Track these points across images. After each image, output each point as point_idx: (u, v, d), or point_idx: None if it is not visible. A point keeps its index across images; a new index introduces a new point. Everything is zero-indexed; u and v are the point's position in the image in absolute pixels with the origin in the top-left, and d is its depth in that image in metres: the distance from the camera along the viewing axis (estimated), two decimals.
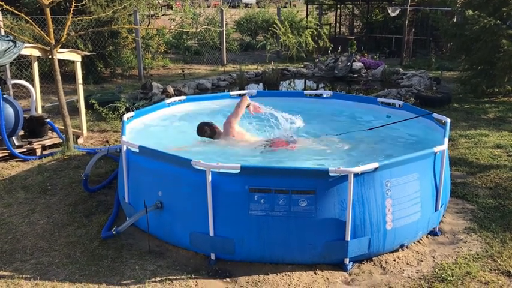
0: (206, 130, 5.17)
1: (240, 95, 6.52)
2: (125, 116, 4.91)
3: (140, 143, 4.03)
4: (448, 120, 4.59)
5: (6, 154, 5.96)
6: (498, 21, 8.67)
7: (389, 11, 15.07)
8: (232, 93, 6.52)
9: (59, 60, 6.07)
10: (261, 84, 11.77)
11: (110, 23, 11.04)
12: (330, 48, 14.90)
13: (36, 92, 6.77)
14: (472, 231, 4.15)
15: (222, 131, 5.23)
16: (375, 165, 3.48)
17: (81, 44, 10.85)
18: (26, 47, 5.98)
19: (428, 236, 4.08)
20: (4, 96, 5.99)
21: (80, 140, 6.80)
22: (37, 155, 6.18)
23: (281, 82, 12.04)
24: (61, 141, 6.42)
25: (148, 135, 5.28)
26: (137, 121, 5.35)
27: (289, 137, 5.22)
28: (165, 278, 3.47)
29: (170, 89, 9.57)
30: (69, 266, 3.65)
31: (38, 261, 3.73)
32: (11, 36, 6.02)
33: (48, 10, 5.74)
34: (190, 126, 5.70)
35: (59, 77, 6.02)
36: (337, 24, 19.03)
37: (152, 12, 14.59)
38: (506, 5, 8.89)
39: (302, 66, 13.58)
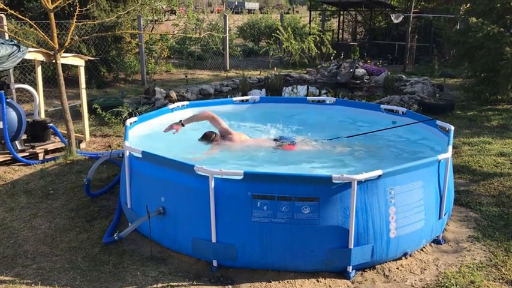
0: (211, 137, 5.20)
1: (242, 100, 6.53)
2: (128, 121, 4.91)
3: (143, 148, 4.02)
4: (452, 127, 4.58)
5: (9, 158, 5.97)
6: (502, 28, 8.67)
7: (393, 18, 15.11)
8: (235, 99, 6.53)
9: (62, 64, 6.08)
10: (263, 90, 11.78)
11: (114, 28, 11.08)
12: (333, 54, 14.94)
13: (39, 96, 6.78)
14: (475, 240, 4.13)
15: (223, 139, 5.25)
16: (379, 172, 3.47)
17: (85, 49, 10.89)
18: (29, 52, 6.00)
19: (432, 244, 4.06)
20: (7, 100, 5.99)
21: (83, 145, 6.80)
22: (39, 159, 6.18)
23: (284, 88, 12.05)
24: (64, 145, 6.42)
25: (151, 140, 5.27)
26: (140, 126, 5.35)
27: (292, 138, 5.28)
28: (166, 284, 3.45)
29: (173, 94, 9.58)
30: (71, 271, 3.64)
31: (40, 266, 3.72)
32: (15, 41, 6.04)
33: (52, 15, 5.76)
34: (193, 132, 5.70)
35: (62, 81, 6.03)
36: (340, 31, 19.08)
37: (156, 18, 14.63)
38: (510, 13, 8.90)
39: (305, 72, 13.59)
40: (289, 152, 5.06)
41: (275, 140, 5.29)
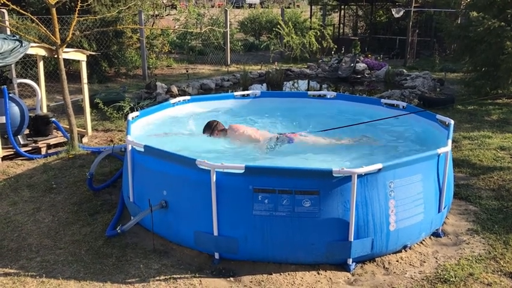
0: (213, 127, 5.22)
1: (243, 95, 6.55)
2: (130, 116, 4.94)
3: (145, 142, 4.06)
4: (452, 121, 4.60)
5: (12, 153, 6.00)
6: (502, 23, 8.66)
7: (393, 12, 15.09)
8: (236, 93, 6.55)
9: (64, 59, 6.10)
10: (264, 85, 11.79)
11: (115, 22, 11.10)
12: (334, 49, 14.93)
13: (41, 91, 6.81)
14: (474, 233, 4.16)
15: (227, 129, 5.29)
16: (379, 166, 3.50)
17: (86, 44, 10.90)
18: (32, 47, 6.02)
19: (431, 237, 4.10)
20: (10, 95, 6.03)
21: (85, 139, 6.84)
22: (42, 153, 6.22)
23: (285, 82, 12.06)
24: (66, 140, 6.45)
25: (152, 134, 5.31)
26: (142, 120, 5.38)
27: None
28: (169, 276, 3.50)
29: (174, 89, 9.61)
30: (74, 264, 3.69)
31: (44, 259, 3.77)
32: (17, 36, 6.06)
33: (54, 10, 5.78)
34: (194, 125, 5.74)
35: (64, 76, 6.06)
36: (341, 25, 19.04)
37: (156, 12, 14.62)
38: (511, 7, 8.89)
39: (306, 66, 13.60)
40: (290, 145, 5.09)
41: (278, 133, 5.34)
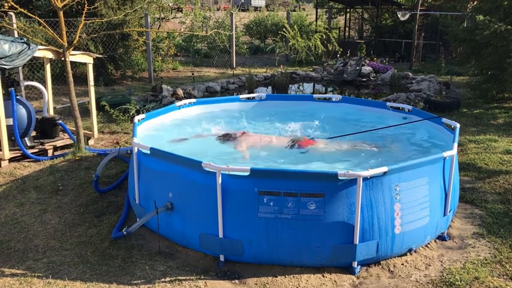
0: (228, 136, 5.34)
1: (249, 98, 6.57)
2: (136, 118, 4.97)
3: (151, 144, 4.08)
4: (457, 125, 4.59)
5: (19, 154, 6.05)
6: (509, 26, 8.64)
7: (399, 16, 15.08)
8: (241, 96, 6.57)
9: (70, 62, 6.15)
10: (269, 88, 11.81)
11: (121, 25, 11.15)
12: (339, 52, 14.94)
13: (48, 93, 6.85)
14: (480, 237, 4.15)
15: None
16: (384, 169, 3.50)
17: (93, 47, 10.96)
18: (39, 49, 6.06)
19: (437, 240, 4.09)
20: (17, 97, 6.07)
21: (91, 141, 6.87)
22: (49, 155, 6.26)
23: (290, 85, 12.07)
24: (72, 142, 6.49)
25: (158, 137, 5.34)
26: (148, 123, 5.41)
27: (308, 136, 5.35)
28: (174, 278, 3.51)
29: (180, 92, 9.64)
30: (81, 265, 3.71)
31: (50, 260, 3.79)
32: (25, 39, 6.11)
33: (61, 13, 5.83)
34: (200, 128, 5.77)
35: (71, 78, 6.10)
36: (347, 28, 19.05)
37: (163, 15, 14.69)
38: None
39: (311, 69, 13.61)
40: (301, 149, 5.10)
41: (292, 140, 5.36)
